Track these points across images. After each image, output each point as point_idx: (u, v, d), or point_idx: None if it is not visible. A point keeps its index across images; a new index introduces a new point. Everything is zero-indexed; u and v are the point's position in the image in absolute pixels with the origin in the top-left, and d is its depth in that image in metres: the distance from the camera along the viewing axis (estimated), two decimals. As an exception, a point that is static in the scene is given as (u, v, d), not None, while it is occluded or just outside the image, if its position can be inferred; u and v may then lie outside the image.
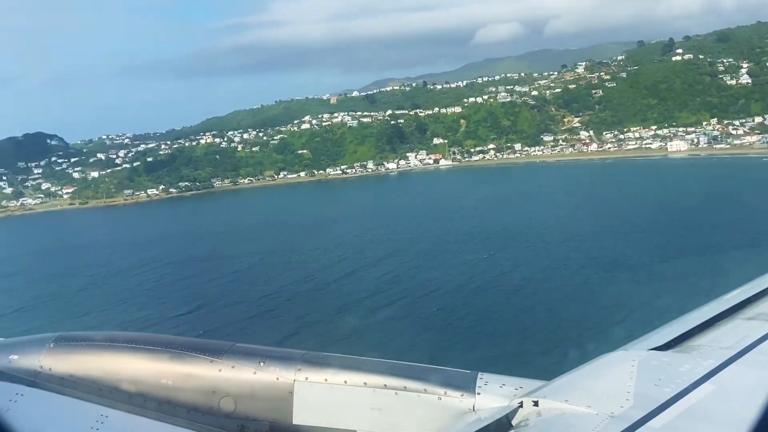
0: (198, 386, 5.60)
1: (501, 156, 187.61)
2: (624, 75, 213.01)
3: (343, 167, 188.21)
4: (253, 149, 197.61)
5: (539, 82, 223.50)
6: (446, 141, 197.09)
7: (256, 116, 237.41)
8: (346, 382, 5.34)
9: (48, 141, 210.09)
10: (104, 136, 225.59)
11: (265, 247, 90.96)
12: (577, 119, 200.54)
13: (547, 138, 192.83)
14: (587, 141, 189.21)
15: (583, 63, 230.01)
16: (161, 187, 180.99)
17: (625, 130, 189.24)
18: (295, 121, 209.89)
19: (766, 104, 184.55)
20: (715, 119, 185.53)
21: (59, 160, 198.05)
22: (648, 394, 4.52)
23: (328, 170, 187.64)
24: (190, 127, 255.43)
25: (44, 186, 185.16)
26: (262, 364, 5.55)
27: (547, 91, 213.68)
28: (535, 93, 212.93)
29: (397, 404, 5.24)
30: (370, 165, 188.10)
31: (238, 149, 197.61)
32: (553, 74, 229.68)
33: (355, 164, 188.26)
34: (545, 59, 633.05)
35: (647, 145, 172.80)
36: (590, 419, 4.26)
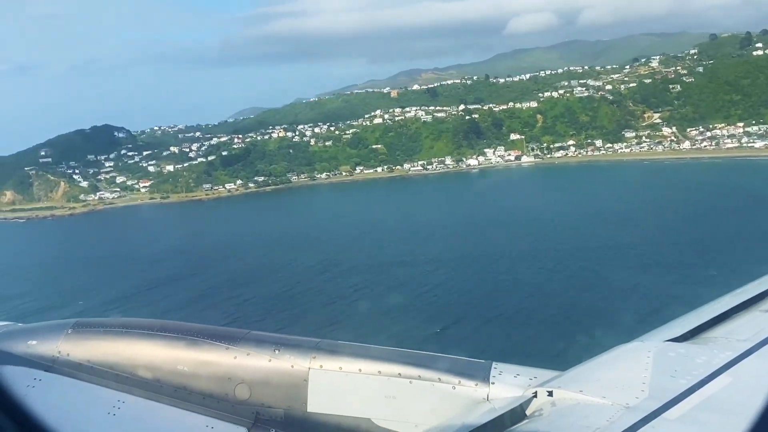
0: (213, 373, 5.72)
1: (584, 153, 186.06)
2: (701, 69, 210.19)
3: (421, 163, 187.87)
4: (326, 144, 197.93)
5: (612, 76, 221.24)
6: (523, 137, 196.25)
7: (315, 109, 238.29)
8: (360, 370, 5.43)
9: (116, 133, 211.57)
10: (156, 128, 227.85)
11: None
12: (657, 115, 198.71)
13: (629, 134, 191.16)
14: (672, 138, 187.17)
15: (657, 57, 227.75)
16: (238, 181, 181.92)
17: (711, 126, 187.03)
18: (366, 116, 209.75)
19: None
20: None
21: (129, 153, 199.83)
22: (664, 385, 4.53)
23: (406, 166, 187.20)
24: (243, 120, 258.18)
25: (119, 179, 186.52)
26: (277, 351, 5.65)
27: (622, 86, 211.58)
28: (609, 87, 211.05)
29: (411, 393, 5.31)
30: (449, 161, 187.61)
31: (311, 144, 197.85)
32: (626, 68, 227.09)
33: (434, 160, 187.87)
34: (577, 50, 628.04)
35: (749, 143, 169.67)
36: (605, 410, 4.27)
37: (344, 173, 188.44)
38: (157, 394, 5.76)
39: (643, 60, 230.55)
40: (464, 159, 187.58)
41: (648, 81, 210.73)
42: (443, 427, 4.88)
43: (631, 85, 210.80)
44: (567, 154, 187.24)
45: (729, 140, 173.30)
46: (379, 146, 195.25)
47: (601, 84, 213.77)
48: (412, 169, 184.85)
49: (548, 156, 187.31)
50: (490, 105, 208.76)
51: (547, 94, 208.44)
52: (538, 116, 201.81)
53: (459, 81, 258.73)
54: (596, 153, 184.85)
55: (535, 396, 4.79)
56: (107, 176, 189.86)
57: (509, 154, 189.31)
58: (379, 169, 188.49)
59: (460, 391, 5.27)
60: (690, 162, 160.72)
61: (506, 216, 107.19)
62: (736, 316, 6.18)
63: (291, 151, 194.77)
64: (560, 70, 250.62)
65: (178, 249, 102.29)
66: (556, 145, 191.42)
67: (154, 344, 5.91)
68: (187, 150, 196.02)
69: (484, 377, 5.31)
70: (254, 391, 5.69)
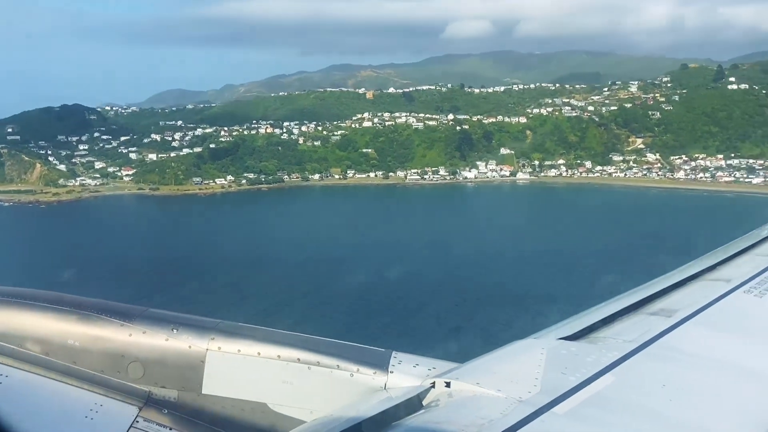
0: (106, 350, 5.68)
1: (577, 174, 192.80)
2: (677, 98, 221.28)
3: (415, 171, 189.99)
4: (315, 143, 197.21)
5: (593, 97, 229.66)
6: (513, 152, 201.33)
7: (286, 105, 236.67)
8: (259, 353, 5.50)
9: (86, 115, 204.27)
10: (107, 107, 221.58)
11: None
12: (640, 140, 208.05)
13: (617, 158, 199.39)
14: (658, 165, 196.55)
15: (636, 82, 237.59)
16: (229, 177, 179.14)
17: (694, 156, 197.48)
18: (354, 117, 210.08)
19: None
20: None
21: (104, 137, 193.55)
22: (555, 381, 4.86)
23: (400, 173, 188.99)
24: (205, 106, 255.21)
25: (98, 165, 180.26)
26: (174, 331, 5.66)
27: (603, 108, 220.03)
28: (591, 108, 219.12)
29: (309, 379, 5.43)
30: (443, 171, 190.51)
31: (300, 142, 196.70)
32: (605, 91, 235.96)
33: (428, 169, 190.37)
34: (510, 60, 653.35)
35: (745, 179, 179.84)
36: (499, 403, 4.55)
37: (336, 176, 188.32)
38: (45, 369, 5.65)
39: (620, 83, 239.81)
40: (459, 171, 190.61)
41: (629, 105, 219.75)
42: (338, 414, 4.94)
43: (612, 108, 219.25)
44: (560, 173, 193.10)
45: (722, 173, 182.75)
46: (370, 150, 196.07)
47: (584, 104, 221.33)
48: (409, 177, 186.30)
49: (542, 174, 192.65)
50: (479, 116, 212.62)
51: (536, 110, 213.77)
52: (528, 132, 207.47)
53: (434, 87, 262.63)
54: (591, 175, 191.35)
55: (433, 386, 4.94)
56: (83, 160, 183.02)
57: (502, 169, 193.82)
58: (372, 175, 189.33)
59: (358, 378, 5.36)
60: (695, 194, 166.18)
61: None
62: (624, 317, 6.61)
63: (280, 148, 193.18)
64: (532, 86, 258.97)
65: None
66: (547, 163, 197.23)
67: (44, 317, 5.78)
68: (170, 138, 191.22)
69: (383, 366, 5.39)
70: (148, 371, 5.64)
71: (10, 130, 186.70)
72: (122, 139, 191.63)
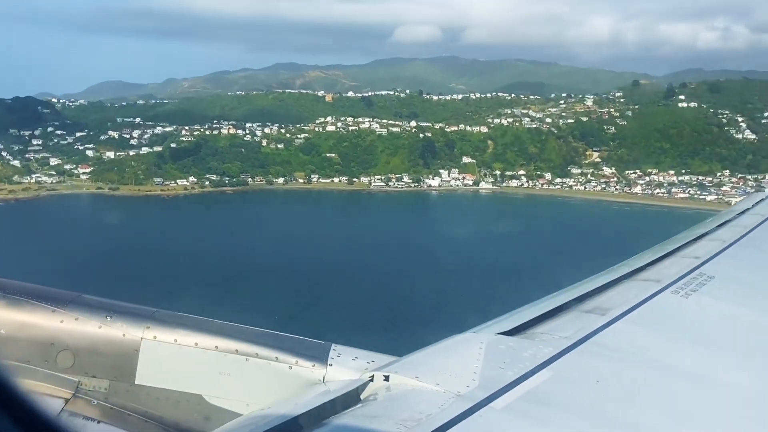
0: (35, 337, 5.47)
1: (539, 185, 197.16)
2: (630, 114, 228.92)
3: (378, 177, 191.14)
4: (278, 146, 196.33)
5: (551, 109, 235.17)
6: (474, 161, 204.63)
7: (244, 104, 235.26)
8: (196, 344, 5.41)
9: (39, 108, 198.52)
10: (54, 99, 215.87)
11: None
12: (596, 154, 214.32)
13: (575, 170, 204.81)
14: (614, 179, 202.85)
15: (591, 96, 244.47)
16: (191, 178, 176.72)
17: (648, 171, 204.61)
18: (318, 121, 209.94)
19: None
20: (728, 171, 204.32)
21: (58, 132, 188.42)
22: (493, 376, 4.95)
23: (364, 179, 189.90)
24: (157, 102, 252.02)
25: (53, 161, 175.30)
26: (109, 318, 5.50)
27: (560, 121, 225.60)
28: (549, 120, 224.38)
29: (247, 370, 5.36)
30: (406, 179, 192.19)
31: (263, 144, 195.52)
32: (561, 103, 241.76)
33: (392, 176, 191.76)
34: (455, 66, 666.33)
35: (699, 195, 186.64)
36: (438, 397, 4.59)
37: (300, 180, 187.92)
38: None
39: (575, 97, 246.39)
40: (423, 178, 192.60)
41: (585, 119, 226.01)
42: (275, 407, 4.92)
43: (569, 121, 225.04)
44: (522, 184, 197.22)
45: (677, 189, 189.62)
46: (334, 155, 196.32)
47: (542, 116, 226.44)
48: (373, 184, 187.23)
49: (504, 184, 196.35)
50: (441, 125, 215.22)
51: (496, 120, 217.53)
52: (489, 142, 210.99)
53: (392, 93, 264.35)
54: (552, 187, 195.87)
55: (372, 380, 4.94)
56: (37, 156, 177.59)
57: (464, 177, 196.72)
58: (336, 180, 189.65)
59: (296, 371, 5.35)
60: (653, 210, 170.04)
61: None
62: (560, 314, 6.81)
63: (243, 150, 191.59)
64: (489, 95, 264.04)
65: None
66: (509, 173, 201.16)
67: None
68: (128, 136, 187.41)
69: (322, 358, 5.39)
70: (78, 359, 5.44)
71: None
72: (78, 135, 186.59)
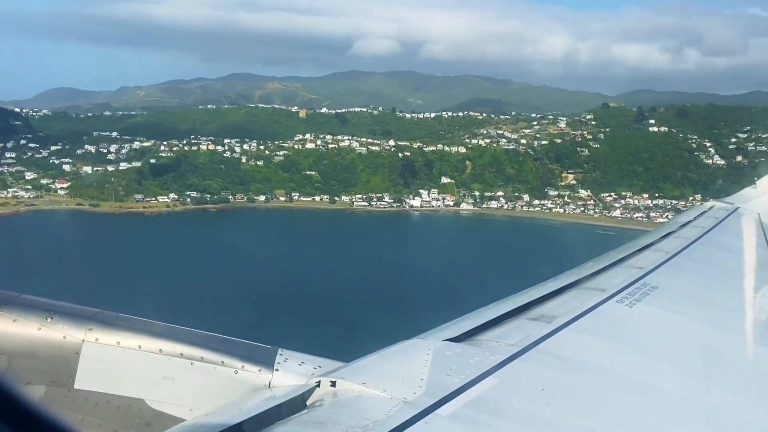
0: None
1: (518, 207, 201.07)
2: (602, 136, 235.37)
3: (359, 197, 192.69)
4: (258, 163, 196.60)
5: (525, 130, 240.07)
6: (453, 181, 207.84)
7: (216, 119, 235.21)
8: (140, 347, 5.26)
9: (10, 119, 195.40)
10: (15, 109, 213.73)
11: None
12: (571, 176, 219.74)
13: (552, 192, 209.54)
14: (590, 201, 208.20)
15: (564, 118, 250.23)
16: (171, 195, 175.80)
17: (622, 194, 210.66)
18: (296, 138, 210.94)
19: (741, 187, 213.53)
20: (699, 195, 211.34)
21: (31, 145, 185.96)
22: (439, 382, 4.98)
23: (345, 198, 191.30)
24: (125, 115, 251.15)
25: (29, 175, 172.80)
26: (49, 319, 5.29)
27: (535, 142, 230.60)
28: (524, 142, 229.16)
29: (192, 375, 5.26)
30: (387, 198, 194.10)
31: (243, 161, 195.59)
32: (534, 124, 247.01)
33: (373, 195, 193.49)
34: (413, 81, 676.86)
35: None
36: (384, 403, 4.59)
37: (282, 198, 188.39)
38: None
39: (551, 118, 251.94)
40: (404, 198, 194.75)
41: (559, 141, 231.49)
42: (219, 412, 4.93)
43: (544, 142, 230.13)
44: (501, 206, 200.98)
45: (655, 213, 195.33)
46: (314, 173, 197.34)
47: (516, 137, 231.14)
48: (356, 204, 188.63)
49: (484, 206, 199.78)
50: (420, 144, 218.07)
51: (474, 141, 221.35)
52: (468, 162, 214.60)
53: (365, 110, 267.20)
54: (531, 209, 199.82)
55: (318, 385, 4.93)
56: (11, 169, 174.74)
57: (445, 198, 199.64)
58: (318, 198, 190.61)
59: (242, 376, 5.29)
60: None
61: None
62: (507, 321, 6.91)
63: (222, 167, 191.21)
64: (461, 114, 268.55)
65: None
66: (487, 194, 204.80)
67: None
68: (105, 150, 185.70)
69: (269, 363, 5.35)
70: (14, 363, 5.26)
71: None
72: (53, 148, 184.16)
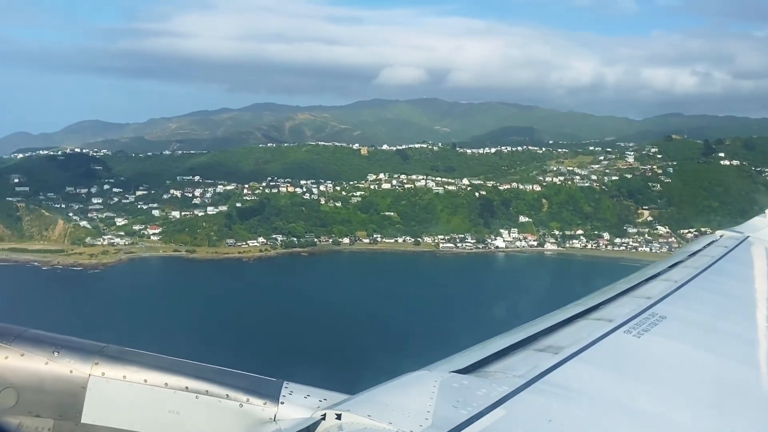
0: None
1: (602, 246, 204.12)
2: (671, 170, 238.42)
3: (442, 238, 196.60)
4: (336, 204, 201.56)
5: (593, 166, 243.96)
6: (531, 220, 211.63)
7: (277, 157, 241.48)
8: (146, 381, 5.38)
9: (91, 164, 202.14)
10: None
11: None
12: (647, 212, 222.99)
13: (632, 230, 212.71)
14: (670, 238, 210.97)
15: (632, 153, 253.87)
16: (260, 239, 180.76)
17: (704, 230, 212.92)
18: (370, 178, 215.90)
19: None
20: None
21: (115, 189, 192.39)
22: (446, 414, 5.04)
23: (429, 239, 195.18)
24: (185, 153, 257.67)
25: (119, 221, 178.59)
26: (56, 354, 5.41)
27: (605, 177, 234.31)
28: (594, 177, 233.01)
29: (197, 408, 5.35)
30: (469, 239, 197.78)
31: (321, 202, 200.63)
32: (601, 158, 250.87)
33: (456, 236, 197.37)
34: (437, 108, 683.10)
35: None
36: None
37: (365, 240, 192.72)
38: None
39: (617, 152, 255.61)
40: (487, 239, 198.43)
41: (629, 176, 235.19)
42: None
43: (614, 178, 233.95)
44: (585, 245, 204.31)
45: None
46: (393, 214, 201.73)
47: (587, 173, 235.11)
48: (442, 245, 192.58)
49: (567, 245, 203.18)
50: (494, 182, 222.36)
51: (549, 179, 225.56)
52: (544, 200, 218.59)
53: (425, 145, 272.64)
54: (616, 248, 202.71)
55: (324, 418, 5.00)
56: (100, 215, 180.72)
57: (526, 237, 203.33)
58: (400, 240, 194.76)
59: (247, 409, 5.35)
60: None
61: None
62: (514, 353, 7.04)
63: (303, 209, 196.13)
64: (520, 148, 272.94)
65: None
66: (568, 233, 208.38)
67: None
68: (190, 195, 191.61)
69: (274, 396, 5.43)
70: (22, 398, 5.32)
71: (17, 180, 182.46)
72: (138, 193, 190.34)
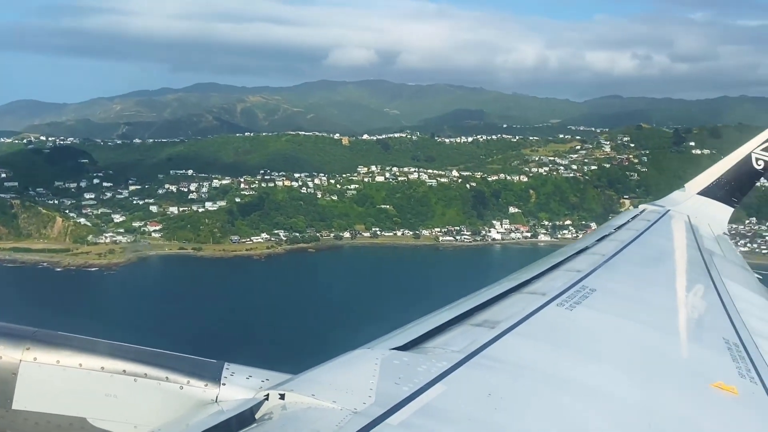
0: None
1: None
2: (645, 159, 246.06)
3: (439, 230, 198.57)
4: (333, 198, 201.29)
5: (571, 156, 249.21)
6: (520, 211, 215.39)
7: (258, 149, 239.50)
8: (81, 365, 5.27)
9: (78, 157, 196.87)
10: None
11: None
12: (628, 201, 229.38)
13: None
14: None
15: (608, 143, 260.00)
16: (263, 234, 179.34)
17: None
18: (362, 170, 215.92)
19: None
20: (754, 218, 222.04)
21: (104, 184, 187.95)
22: (388, 391, 5.08)
23: (426, 232, 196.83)
24: (159, 143, 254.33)
25: (116, 218, 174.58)
26: None
27: (585, 168, 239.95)
28: (574, 167, 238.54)
29: (135, 392, 5.28)
30: (464, 231, 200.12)
31: (318, 196, 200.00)
32: (577, 147, 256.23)
33: (451, 228, 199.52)
34: (385, 90, 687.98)
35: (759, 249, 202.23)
36: (334, 414, 4.67)
37: (365, 234, 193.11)
38: None
39: (595, 142, 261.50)
40: (482, 230, 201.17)
41: (607, 165, 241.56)
42: (165, 429, 4.97)
43: (593, 167, 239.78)
44: (576, 235, 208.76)
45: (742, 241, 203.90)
46: (389, 207, 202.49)
47: (567, 163, 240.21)
48: (442, 238, 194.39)
49: (559, 236, 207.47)
50: (482, 174, 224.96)
51: (535, 170, 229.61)
52: (531, 191, 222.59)
53: (405, 135, 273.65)
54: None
55: (267, 399, 4.97)
56: (96, 212, 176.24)
57: (518, 228, 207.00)
58: (398, 233, 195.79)
59: (187, 391, 5.28)
60: None
61: None
62: (452, 328, 7.09)
63: (302, 203, 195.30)
64: (494, 137, 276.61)
65: None
66: (557, 223, 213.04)
67: None
68: (185, 190, 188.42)
69: (215, 378, 5.36)
70: None
71: (3, 175, 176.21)
72: (131, 188, 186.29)
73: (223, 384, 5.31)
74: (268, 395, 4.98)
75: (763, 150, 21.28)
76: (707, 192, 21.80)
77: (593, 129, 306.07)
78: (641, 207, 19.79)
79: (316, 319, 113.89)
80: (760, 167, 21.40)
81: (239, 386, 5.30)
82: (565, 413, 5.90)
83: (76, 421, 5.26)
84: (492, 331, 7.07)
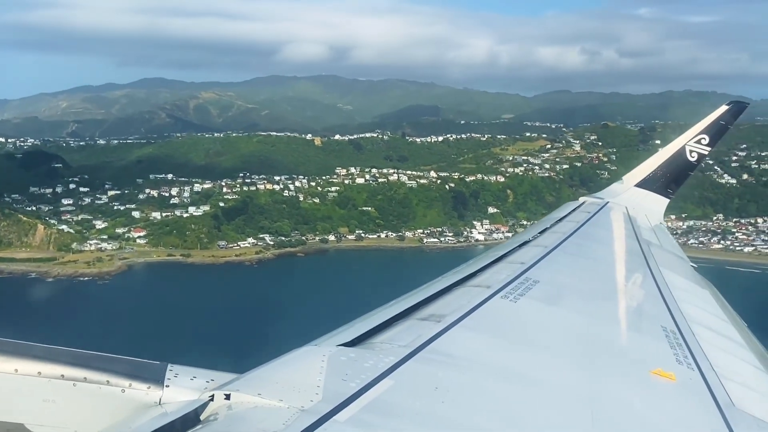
0: None
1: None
2: (614, 158, 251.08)
3: (421, 232, 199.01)
4: (314, 200, 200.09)
5: (543, 155, 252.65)
6: (499, 211, 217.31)
7: (229, 150, 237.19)
8: (16, 370, 5.06)
9: (51, 162, 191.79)
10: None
11: None
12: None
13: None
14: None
15: (578, 142, 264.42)
16: (249, 239, 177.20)
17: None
18: (340, 171, 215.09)
19: (760, 206, 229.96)
20: (721, 215, 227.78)
21: (81, 189, 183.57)
22: (336, 388, 5.08)
23: (410, 234, 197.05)
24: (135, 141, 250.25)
25: (98, 224, 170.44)
26: None
27: (557, 166, 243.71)
28: (547, 166, 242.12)
29: (75, 396, 5.09)
30: (447, 232, 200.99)
31: (300, 199, 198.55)
32: (547, 146, 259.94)
33: (434, 230, 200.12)
34: (337, 86, 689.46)
35: (736, 248, 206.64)
36: (281, 413, 4.63)
37: (350, 237, 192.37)
38: None
39: (565, 141, 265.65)
40: (463, 231, 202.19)
41: (579, 164, 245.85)
42: None
43: (565, 166, 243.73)
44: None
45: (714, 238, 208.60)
46: (371, 209, 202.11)
47: (540, 162, 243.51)
48: (426, 240, 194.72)
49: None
50: (460, 174, 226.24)
51: (511, 169, 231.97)
52: (509, 191, 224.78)
53: (376, 135, 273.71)
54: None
55: (212, 399, 4.90)
56: (76, 218, 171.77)
57: (498, 229, 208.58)
58: (383, 235, 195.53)
59: (130, 394, 5.11)
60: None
61: None
62: (398, 323, 7.19)
63: (285, 206, 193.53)
64: (464, 135, 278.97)
65: None
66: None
67: None
68: (167, 194, 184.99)
69: (158, 380, 5.20)
70: None
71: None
72: (110, 193, 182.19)
73: (167, 386, 5.19)
74: (213, 396, 4.92)
75: (696, 143, 22.04)
76: (644, 184, 22.36)
77: (549, 125, 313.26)
78: (581, 199, 20.48)
79: (328, 324, 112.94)
80: (694, 159, 22.37)
81: (183, 388, 5.19)
82: (510, 404, 6.00)
83: (14, 427, 5.11)
84: (438, 325, 7.15)
